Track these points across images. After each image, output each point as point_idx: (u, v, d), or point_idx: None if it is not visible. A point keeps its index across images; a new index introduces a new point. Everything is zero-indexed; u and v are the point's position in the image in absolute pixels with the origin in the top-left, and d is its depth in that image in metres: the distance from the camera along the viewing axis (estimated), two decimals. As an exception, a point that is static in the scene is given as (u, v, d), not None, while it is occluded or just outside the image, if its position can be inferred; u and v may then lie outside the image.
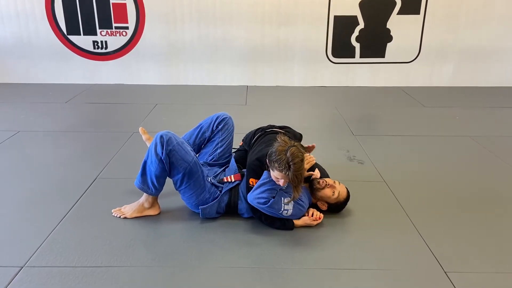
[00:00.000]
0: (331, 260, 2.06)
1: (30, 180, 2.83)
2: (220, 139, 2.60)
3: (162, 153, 2.17)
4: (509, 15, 5.16)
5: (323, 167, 2.59)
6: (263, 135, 2.51)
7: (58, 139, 3.60)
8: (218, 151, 2.59)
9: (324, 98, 5.01)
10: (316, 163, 2.47)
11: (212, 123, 2.60)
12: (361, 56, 5.38)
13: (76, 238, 2.19)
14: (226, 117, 2.61)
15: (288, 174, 2.06)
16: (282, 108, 4.58)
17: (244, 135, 2.71)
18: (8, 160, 3.14)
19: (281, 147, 2.08)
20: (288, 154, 2.04)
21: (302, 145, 2.33)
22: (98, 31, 5.22)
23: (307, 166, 2.27)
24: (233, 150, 2.68)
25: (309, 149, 2.61)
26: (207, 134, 2.62)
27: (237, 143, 2.74)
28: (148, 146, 2.39)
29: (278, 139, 2.15)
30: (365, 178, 2.94)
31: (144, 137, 2.85)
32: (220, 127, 2.60)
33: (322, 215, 2.33)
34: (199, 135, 2.63)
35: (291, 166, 2.03)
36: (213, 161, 2.58)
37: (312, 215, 2.31)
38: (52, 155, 3.25)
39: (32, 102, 4.63)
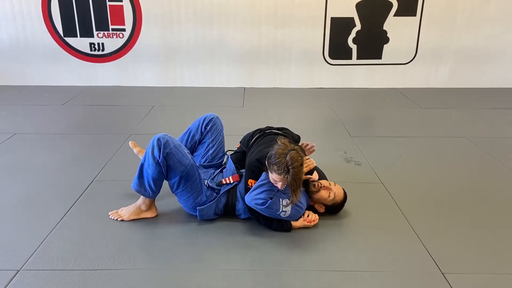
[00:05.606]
0: (329, 262, 2.06)
1: (26, 183, 2.82)
2: (210, 139, 2.60)
3: (159, 156, 2.16)
4: (504, 17, 5.19)
5: (321, 169, 2.58)
6: (262, 136, 2.51)
7: (55, 141, 3.59)
8: (210, 152, 2.59)
9: (321, 99, 5.01)
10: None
11: (200, 125, 2.60)
12: (358, 58, 5.39)
13: (72, 241, 2.18)
14: (214, 117, 2.62)
15: (286, 177, 2.05)
16: (279, 109, 4.58)
17: (242, 137, 2.70)
18: (4, 163, 3.13)
19: (281, 150, 2.07)
20: (287, 158, 2.03)
21: (302, 149, 2.33)
22: (95, 33, 5.21)
23: (305, 169, 2.26)
24: (231, 152, 2.68)
25: (309, 150, 2.60)
26: (197, 137, 2.62)
27: (234, 145, 2.74)
28: (141, 158, 2.38)
29: (278, 141, 2.14)
30: (363, 179, 2.94)
31: (135, 150, 2.83)
32: (208, 128, 2.60)
33: (317, 216, 2.33)
34: (189, 139, 2.62)
35: (290, 170, 2.03)
36: (207, 162, 2.58)
37: (308, 217, 2.31)
38: (49, 157, 3.24)
39: (29, 104, 4.62)
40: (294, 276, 1.96)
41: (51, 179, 2.89)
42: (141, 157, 2.64)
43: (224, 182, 2.39)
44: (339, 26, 5.24)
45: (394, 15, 5.19)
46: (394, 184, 2.85)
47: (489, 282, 1.95)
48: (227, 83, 5.47)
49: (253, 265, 2.03)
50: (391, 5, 5.15)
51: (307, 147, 2.60)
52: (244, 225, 2.36)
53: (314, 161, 2.40)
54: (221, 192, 2.36)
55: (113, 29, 5.21)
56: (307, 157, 2.35)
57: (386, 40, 5.30)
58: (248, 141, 2.58)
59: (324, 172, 2.58)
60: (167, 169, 2.21)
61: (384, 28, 5.25)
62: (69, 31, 5.20)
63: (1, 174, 2.96)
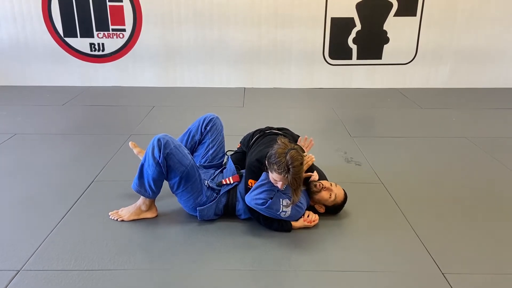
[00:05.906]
0: (329, 262, 2.06)
1: (26, 183, 2.82)
2: (210, 140, 2.60)
3: (160, 156, 2.16)
4: (504, 17, 5.19)
5: (321, 169, 2.59)
6: (262, 136, 2.51)
7: (55, 141, 3.59)
8: (210, 152, 2.60)
9: (321, 99, 5.01)
10: (313, 165, 2.47)
11: (200, 126, 2.61)
12: (358, 58, 5.39)
13: (73, 241, 2.18)
14: (213, 118, 2.62)
15: (287, 177, 2.05)
16: (279, 110, 4.58)
17: (242, 137, 2.71)
18: (4, 163, 3.13)
19: (281, 150, 2.07)
20: (288, 157, 2.03)
21: (302, 148, 2.33)
22: (95, 33, 5.21)
23: (305, 167, 2.26)
24: (231, 153, 2.68)
25: (307, 146, 2.58)
26: (197, 137, 2.62)
27: (234, 145, 2.74)
28: (141, 159, 2.38)
29: (278, 141, 2.14)
30: (363, 179, 2.94)
31: (135, 150, 2.83)
32: (208, 128, 2.60)
33: (317, 216, 2.33)
34: (189, 140, 2.62)
35: (291, 169, 2.03)
36: (207, 163, 2.58)
37: (308, 217, 2.31)
38: (49, 157, 3.24)
39: (29, 105, 4.62)
40: (294, 276, 1.96)
41: (51, 179, 2.89)
42: (141, 157, 2.64)
43: (224, 183, 2.39)
44: (339, 26, 5.24)
45: (394, 15, 5.19)
46: (394, 184, 2.85)
47: (489, 282, 1.95)
48: (227, 83, 5.47)
49: (253, 265, 2.03)
50: (391, 5, 5.15)
51: (305, 142, 2.57)
52: (244, 225, 2.36)
53: (313, 157, 2.39)
54: (221, 193, 2.36)
55: (113, 29, 5.21)
56: (305, 153, 2.35)
57: (386, 40, 5.30)
58: (248, 141, 2.58)
59: (324, 172, 2.58)
60: (167, 169, 2.21)
61: (384, 28, 5.25)
62: (69, 31, 5.20)
63: (1, 174, 2.96)
